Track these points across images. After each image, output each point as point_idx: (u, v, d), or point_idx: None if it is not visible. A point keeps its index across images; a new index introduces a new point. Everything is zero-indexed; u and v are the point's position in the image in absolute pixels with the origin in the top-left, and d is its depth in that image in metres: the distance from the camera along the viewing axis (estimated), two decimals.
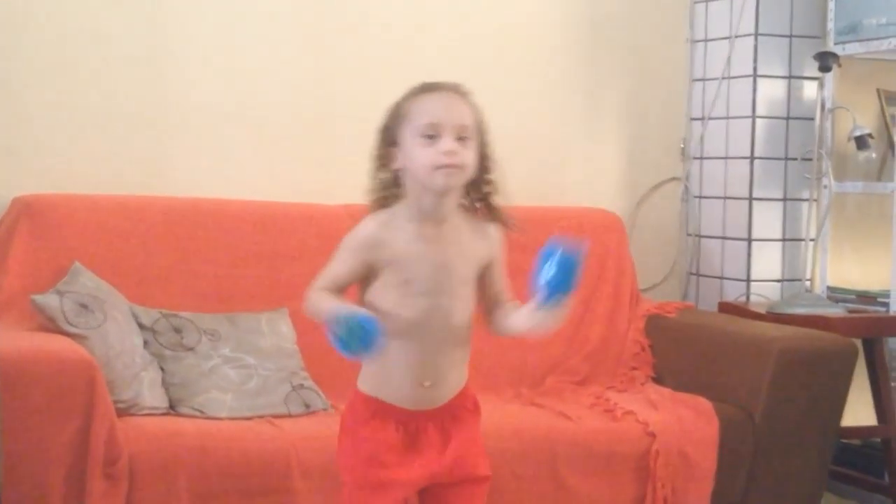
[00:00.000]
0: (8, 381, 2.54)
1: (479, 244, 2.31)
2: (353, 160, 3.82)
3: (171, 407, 3.11)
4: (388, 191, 2.27)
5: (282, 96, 3.81)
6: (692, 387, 3.51)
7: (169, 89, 3.67)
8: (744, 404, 3.34)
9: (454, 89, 2.29)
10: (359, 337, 2.05)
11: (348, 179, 3.81)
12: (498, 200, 2.33)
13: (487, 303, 2.35)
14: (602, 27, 4.19)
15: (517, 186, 3.93)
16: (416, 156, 2.20)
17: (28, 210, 3.32)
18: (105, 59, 3.60)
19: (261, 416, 3.12)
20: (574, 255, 2.12)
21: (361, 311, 2.11)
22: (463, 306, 2.28)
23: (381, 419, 2.27)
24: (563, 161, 4.18)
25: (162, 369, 3.16)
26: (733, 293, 4.13)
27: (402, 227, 2.25)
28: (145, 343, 3.19)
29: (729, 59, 4.12)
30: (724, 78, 4.15)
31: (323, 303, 2.19)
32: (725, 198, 4.17)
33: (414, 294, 2.23)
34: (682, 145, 4.31)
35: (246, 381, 3.21)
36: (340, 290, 2.25)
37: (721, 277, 4.18)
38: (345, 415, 2.36)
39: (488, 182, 2.30)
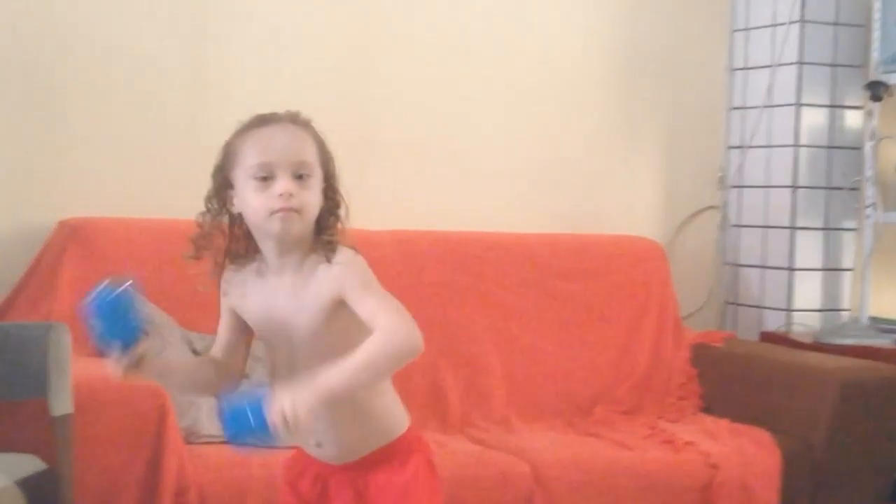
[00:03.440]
0: (80, 408, 2.48)
1: (322, 286, 1.97)
2: (400, 185, 3.87)
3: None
4: (237, 237, 2.03)
5: (325, 120, 3.72)
6: (744, 417, 3.48)
7: (214, 113, 3.62)
8: (802, 436, 3.32)
9: (290, 120, 2.04)
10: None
11: (395, 204, 3.84)
12: (342, 239, 2.01)
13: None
14: (641, 55, 4.17)
15: (556, 214, 4.03)
16: (249, 200, 1.96)
17: (76, 234, 3.27)
18: (151, 83, 3.57)
19: None
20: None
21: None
22: (321, 361, 1.92)
23: (302, 466, 2.10)
24: (601, 189, 4.16)
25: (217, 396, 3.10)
26: (772, 322, 4.09)
27: (252, 277, 2.03)
28: None
29: (770, 87, 4.10)
30: (765, 106, 4.13)
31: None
32: (765, 227, 4.14)
33: (271, 353, 2.04)
34: (720, 174, 4.29)
35: None
36: (234, 347, 2.07)
37: (760, 307, 4.15)
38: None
39: (335, 219, 2.02)
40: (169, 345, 3.04)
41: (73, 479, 2.44)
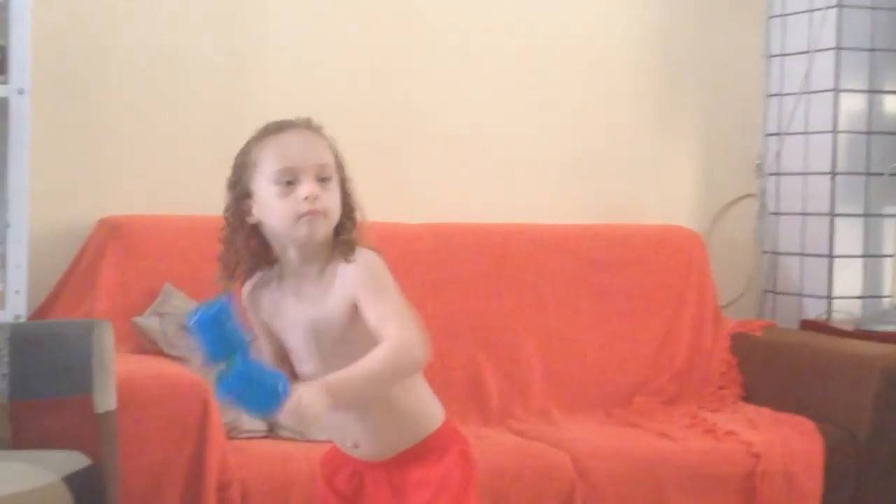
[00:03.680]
0: (123, 405, 2.49)
1: (341, 289, 1.98)
2: (436, 178, 3.87)
3: (270, 430, 3.06)
4: (253, 249, 2.03)
5: (361, 116, 3.78)
6: (785, 406, 3.46)
7: (251, 110, 3.62)
8: (844, 423, 3.29)
9: (306, 125, 2.06)
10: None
11: (431, 198, 3.85)
12: (362, 240, 2.03)
13: None
14: (676, 43, 4.15)
15: (593, 205, 4.02)
16: (273, 207, 1.96)
17: (116, 231, 3.30)
18: (188, 82, 3.59)
19: None
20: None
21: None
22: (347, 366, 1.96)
23: (338, 462, 2.13)
24: (637, 178, 4.14)
25: None
26: (812, 310, 4.07)
27: (270, 288, 2.04)
28: None
29: (808, 73, 4.07)
30: (802, 93, 4.10)
31: None
32: (804, 214, 4.11)
33: (298, 361, 2.05)
34: (757, 161, 4.27)
35: None
36: (283, 352, 2.07)
37: (799, 295, 4.13)
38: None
39: (352, 222, 2.03)
40: None
41: (118, 475, 2.46)
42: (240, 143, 3.58)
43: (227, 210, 2.04)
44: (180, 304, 3.15)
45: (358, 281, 1.95)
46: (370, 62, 3.80)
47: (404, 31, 3.85)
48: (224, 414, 2.92)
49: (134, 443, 2.54)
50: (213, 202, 3.52)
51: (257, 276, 2.06)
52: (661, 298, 3.83)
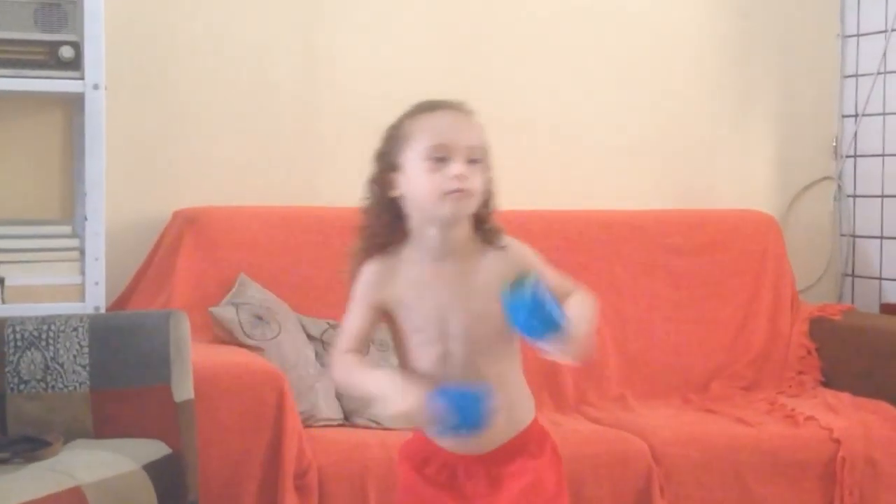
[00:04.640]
0: (200, 394, 2.51)
1: (495, 268, 1.99)
2: (509, 164, 3.81)
3: (346, 418, 3.08)
4: (384, 224, 2.02)
5: None
6: (865, 391, 3.41)
7: (325, 102, 3.66)
8: None
9: (460, 107, 2.03)
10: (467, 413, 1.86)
11: (503, 184, 3.80)
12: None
13: None
14: (751, 24, 4.11)
15: (668, 190, 3.98)
16: (422, 181, 1.94)
17: (191, 223, 3.32)
18: (263, 74, 3.61)
19: None
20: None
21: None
22: (484, 346, 1.99)
23: (427, 453, 2.06)
24: (713, 162, 4.10)
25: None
26: (893, 294, 4.00)
27: (405, 267, 2.01)
28: (315, 354, 3.16)
29: (885, 53, 4.00)
30: (879, 73, 4.03)
31: (359, 376, 1.99)
32: (883, 196, 4.04)
33: (424, 343, 2.00)
34: (834, 144, 4.20)
35: None
36: (365, 343, 2.05)
37: (879, 278, 4.06)
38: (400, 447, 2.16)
39: (488, 212, 2.03)
40: (285, 330, 3.07)
41: (197, 463, 2.48)
42: (314, 135, 3.66)
43: (371, 181, 2.03)
44: (255, 294, 3.17)
45: (527, 257, 2.03)
46: (444, 50, 3.79)
47: (478, 18, 3.84)
48: (300, 402, 2.94)
49: (212, 431, 2.56)
50: (286, 193, 3.58)
51: (381, 254, 2.04)
52: (737, 283, 3.79)
